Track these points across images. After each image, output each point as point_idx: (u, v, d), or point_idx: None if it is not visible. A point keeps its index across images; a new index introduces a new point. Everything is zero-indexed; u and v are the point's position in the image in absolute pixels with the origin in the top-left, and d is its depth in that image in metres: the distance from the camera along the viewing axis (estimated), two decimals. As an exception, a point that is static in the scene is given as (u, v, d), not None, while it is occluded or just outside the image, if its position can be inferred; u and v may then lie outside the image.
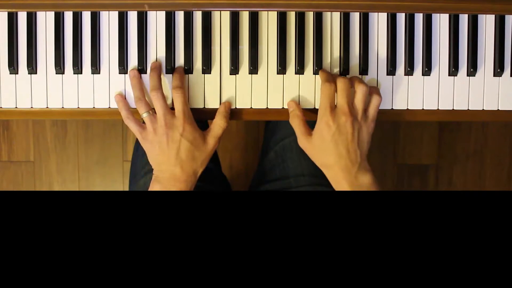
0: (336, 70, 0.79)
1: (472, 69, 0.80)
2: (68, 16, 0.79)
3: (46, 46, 0.79)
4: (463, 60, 0.80)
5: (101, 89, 0.79)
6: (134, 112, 0.77)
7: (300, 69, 0.79)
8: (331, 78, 0.75)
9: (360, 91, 0.74)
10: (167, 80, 0.79)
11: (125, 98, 0.78)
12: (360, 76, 0.79)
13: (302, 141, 0.76)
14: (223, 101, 0.79)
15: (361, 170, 0.74)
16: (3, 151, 1.51)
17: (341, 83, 0.74)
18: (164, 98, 0.75)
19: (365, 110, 0.75)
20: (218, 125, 0.77)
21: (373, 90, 0.76)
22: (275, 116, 0.80)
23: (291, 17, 0.79)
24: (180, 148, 0.74)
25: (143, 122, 0.77)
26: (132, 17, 0.79)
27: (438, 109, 0.80)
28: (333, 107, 0.74)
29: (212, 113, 0.79)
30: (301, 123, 0.76)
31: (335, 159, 0.73)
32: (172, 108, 0.76)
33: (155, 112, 0.75)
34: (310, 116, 0.79)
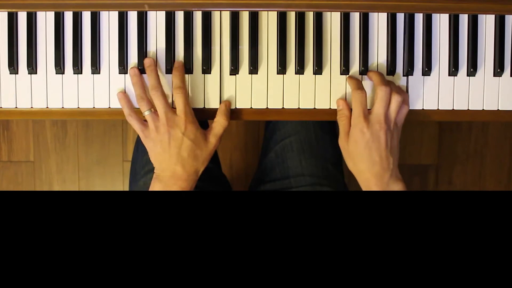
0: (337, 70, 0.79)
1: (472, 69, 0.80)
2: (68, 16, 0.79)
3: (46, 46, 0.79)
4: (463, 60, 0.80)
5: (101, 89, 0.79)
6: (135, 111, 0.77)
7: (300, 69, 0.79)
8: (361, 85, 0.76)
9: (395, 101, 0.74)
10: (166, 80, 0.79)
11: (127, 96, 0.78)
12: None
13: (342, 141, 0.77)
14: (223, 100, 0.79)
15: (393, 177, 0.75)
16: (3, 151, 1.51)
17: (382, 91, 0.74)
18: (164, 96, 0.76)
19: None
20: (219, 123, 0.77)
21: (403, 98, 0.77)
22: (275, 116, 0.80)
23: (291, 17, 0.79)
24: (182, 147, 0.74)
25: (145, 121, 0.77)
26: (132, 17, 0.79)
27: (438, 109, 0.80)
28: (366, 114, 0.74)
29: (212, 113, 0.79)
30: (347, 123, 0.77)
31: (368, 165, 0.74)
32: (174, 107, 0.77)
33: (157, 110, 0.76)
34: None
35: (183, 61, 0.79)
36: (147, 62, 0.78)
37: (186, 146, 0.74)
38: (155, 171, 0.77)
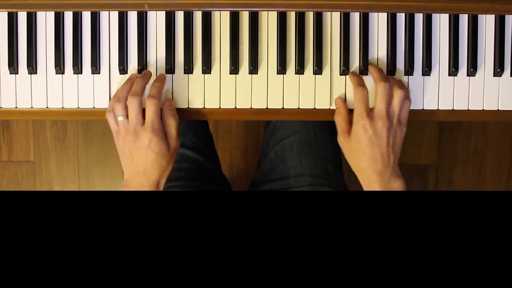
0: (337, 70, 0.79)
1: (472, 69, 0.80)
2: (68, 16, 0.79)
3: (46, 46, 0.79)
4: (463, 60, 0.80)
5: (101, 89, 0.79)
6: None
7: (300, 69, 0.79)
8: (362, 82, 0.76)
9: (397, 96, 0.74)
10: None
11: None
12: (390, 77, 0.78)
13: (341, 139, 0.77)
14: (223, 101, 0.79)
15: (393, 175, 0.75)
16: (3, 151, 1.51)
17: (382, 88, 0.74)
18: (140, 105, 0.74)
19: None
20: (171, 125, 0.76)
21: (405, 94, 0.76)
22: (275, 116, 0.80)
23: (291, 17, 0.79)
24: (147, 159, 0.74)
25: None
26: (132, 17, 0.79)
27: (438, 109, 0.80)
28: (369, 111, 0.74)
29: (212, 113, 0.79)
30: (344, 121, 0.77)
31: (369, 162, 0.74)
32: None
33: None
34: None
35: (183, 62, 0.79)
36: (145, 71, 0.78)
37: (150, 158, 0.74)
38: (124, 176, 0.77)
